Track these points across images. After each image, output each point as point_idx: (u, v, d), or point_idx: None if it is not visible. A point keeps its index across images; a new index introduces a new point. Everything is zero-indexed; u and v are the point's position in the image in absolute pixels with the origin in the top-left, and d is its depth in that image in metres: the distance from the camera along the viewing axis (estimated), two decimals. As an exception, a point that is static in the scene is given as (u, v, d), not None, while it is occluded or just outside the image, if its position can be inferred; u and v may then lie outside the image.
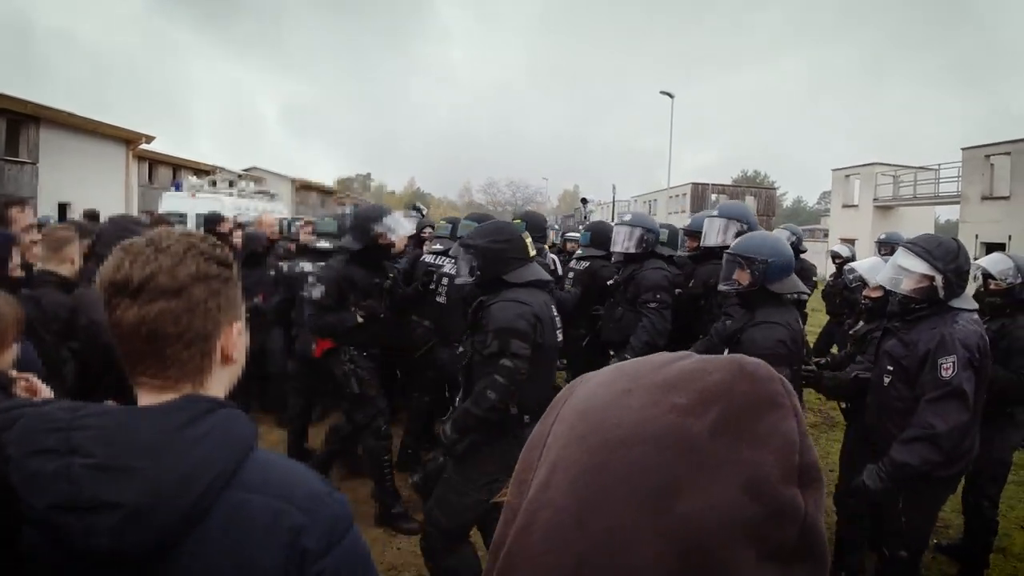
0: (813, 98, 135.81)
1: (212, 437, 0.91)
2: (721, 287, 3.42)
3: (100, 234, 3.77)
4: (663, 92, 30.45)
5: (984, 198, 22.78)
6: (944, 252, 2.90)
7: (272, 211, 14.99)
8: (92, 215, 9.62)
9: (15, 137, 17.15)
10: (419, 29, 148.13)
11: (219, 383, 1.05)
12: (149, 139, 22.33)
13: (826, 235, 34.48)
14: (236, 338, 1.05)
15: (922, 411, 2.84)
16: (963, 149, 23.91)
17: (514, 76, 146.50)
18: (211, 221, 7.04)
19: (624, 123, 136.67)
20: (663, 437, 0.46)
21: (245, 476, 0.92)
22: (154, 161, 26.04)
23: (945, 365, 2.80)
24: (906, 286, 2.98)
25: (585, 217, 17.52)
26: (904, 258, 3.00)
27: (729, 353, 2.84)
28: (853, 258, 7.82)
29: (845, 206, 30.97)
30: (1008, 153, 21.89)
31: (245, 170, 31.40)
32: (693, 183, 43.55)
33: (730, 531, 0.43)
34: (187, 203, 13.97)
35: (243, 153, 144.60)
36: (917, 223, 26.17)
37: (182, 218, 13.09)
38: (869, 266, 4.13)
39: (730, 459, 0.44)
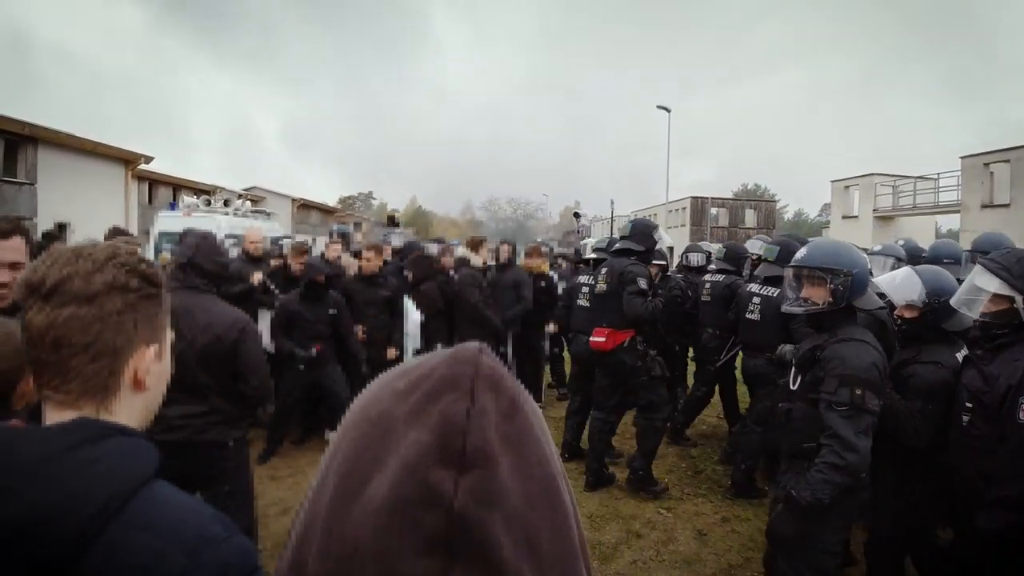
0: (811, 110, 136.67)
1: (100, 465, 0.84)
2: (787, 308, 3.02)
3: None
4: (660, 107, 30.58)
5: (984, 206, 22.76)
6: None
7: (268, 231, 15.02)
8: (118, 231, 9.51)
9: (13, 157, 17.19)
10: (418, 46, 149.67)
11: (126, 409, 0.97)
12: (148, 159, 22.36)
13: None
14: (151, 362, 0.98)
15: (1000, 464, 2.49)
16: (962, 158, 23.90)
17: (513, 93, 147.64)
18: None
19: (623, 138, 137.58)
20: (379, 418, 0.46)
21: (134, 512, 0.83)
22: (154, 181, 26.04)
23: None
24: (983, 308, 2.66)
25: (579, 231, 17.50)
26: (979, 276, 2.67)
27: (805, 377, 2.79)
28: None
29: (845, 217, 30.95)
30: (1007, 161, 21.92)
31: (246, 189, 31.43)
32: (693, 197, 43.62)
33: (386, 515, 0.41)
34: (182, 222, 13.90)
35: (244, 172, 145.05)
36: (917, 233, 26.14)
37: (176, 238, 13.02)
38: (889, 284, 3.26)
39: (404, 441, 0.43)
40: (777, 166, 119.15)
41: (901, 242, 6.08)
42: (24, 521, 0.78)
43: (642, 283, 4.79)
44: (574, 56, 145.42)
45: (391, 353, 5.93)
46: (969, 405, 2.72)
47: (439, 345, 6.27)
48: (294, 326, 5.38)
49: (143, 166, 22.59)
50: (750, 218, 45.42)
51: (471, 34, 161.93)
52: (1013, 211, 21.44)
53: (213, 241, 3.33)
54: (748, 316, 5.03)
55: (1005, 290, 2.56)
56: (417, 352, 5.98)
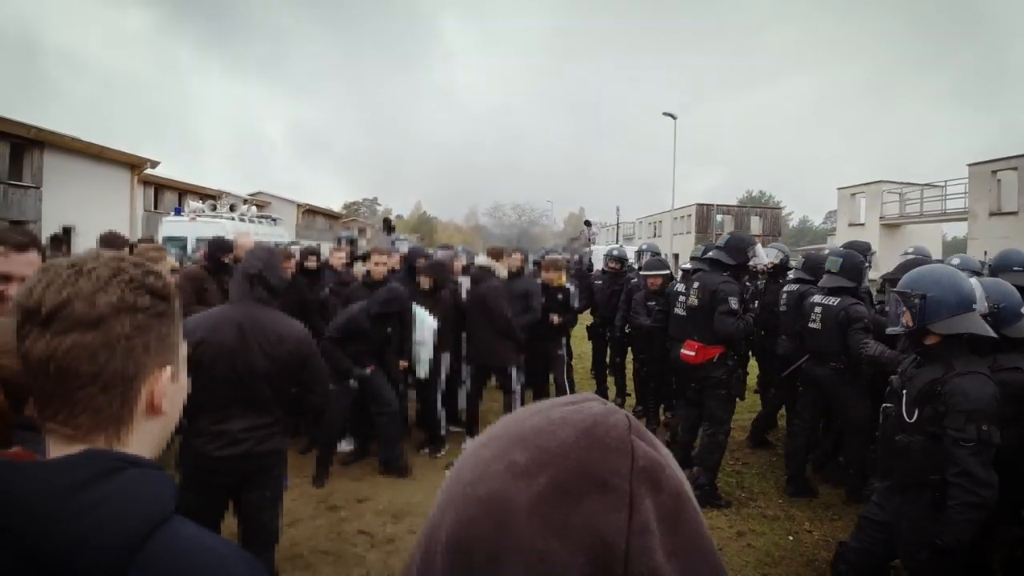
0: (817, 118, 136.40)
1: (112, 503, 0.74)
2: (891, 331, 3.10)
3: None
4: (666, 113, 30.49)
5: (992, 214, 22.63)
6: None
7: (270, 235, 14.97)
8: (112, 239, 9.29)
9: (19, 161, 17.20)
10: (424, 53, 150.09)
11: (142, 438, 0.87)
12: (154, 164, 22.39)
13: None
14: (166, 385, 0.88)
15: None
16: (969, 165, 23.76)
17: (518, 100, 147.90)
18: (218, 248, 5.97)
19: (629, 145, 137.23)
20: (491, 501, 0.41)
21: (151, 556, 0.74)
22: (159, 186, 26.14)
23: None
24: None
25: (590, 239, 17.39)
26: None
27: (925, 410, 2.74)
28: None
29: (851, 224, 30.76)
30: (1015, 168, 21.79)
31: (251, 194, 31.52)
32: (698, 204, 43.52)
33: None
34: (187, 227, 13.88)
35: (250, 177, 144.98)
36: (924, 241, 26.01)
37: (181, 242, 12.97)
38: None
39: (534, 548, 0.37)
40: (782, 173, 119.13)
41: (911, 250, 6.03)
42: (28, 570, 0.70)
43: (733, 303, 4.87)
44: (580, 62, 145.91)
45: (402, 364, 5.75)
46: None
47: (446, 355, 6.21)
48: (351, 341, 5.24)
49: (149, 171, 22.62)
50: (755, 225, 45.29)
51: (478, 39, 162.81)
52: (1021, 219, 21.30)
53: (278, 255, 3.38)
54: (811, 325, 5.10)
55: None
56: (431, 361, 5.95)
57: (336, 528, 4.49)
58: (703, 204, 43.76)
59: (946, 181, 26.48)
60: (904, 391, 2.87)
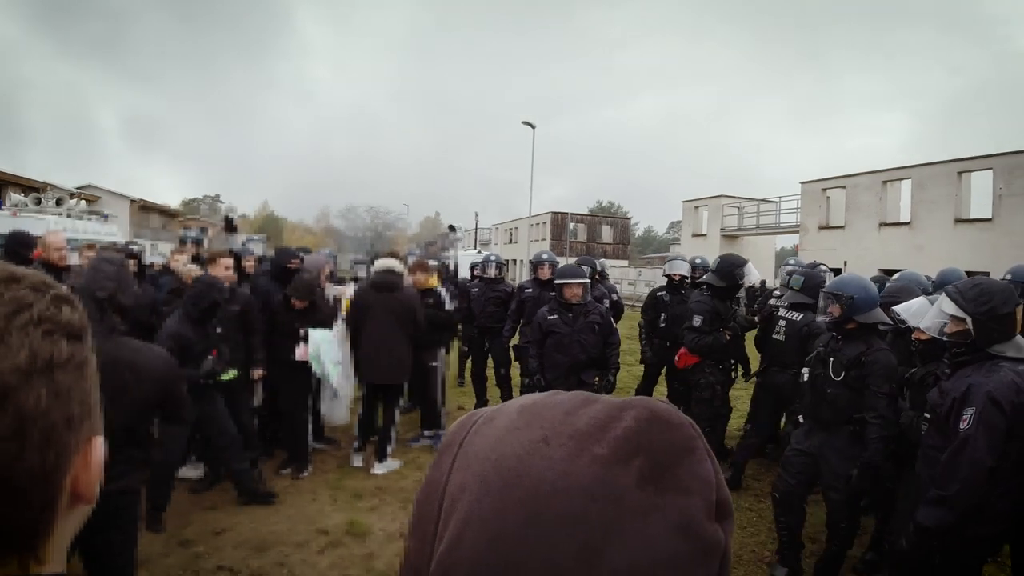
0: (663, 135, 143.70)
1: None
2: (823, 319, 4.06)
3: None
4: (525, 122, 30.91)
5: (821, 227, 24.86)
6: (977, 295, 2.85)
7: (100, 234, 13.61)
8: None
9: None
10: (277, 44, 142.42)
11: (62, 542, 0.56)
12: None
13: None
14: (96, 464, 0.56)
15: (940, 468, 2.82)
16: (802, 183, 25.98)
17: (376, 100, 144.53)
18: (18, 243, 5.31)
19: (487, 153, 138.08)
20: (591, 488, 0.47)
21: None
22: (-31, 175, 23.25)
23: (964, 417, 2.75)
24: (947, 331, 2.99)
25: (453, 244, 17.15)
26: (944, 302, 2.98)
27: (848, 373, 3.75)
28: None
29: (695, 235, 32.82)
30: (843, 187, 24.06)
31: (80, 188, 28.84)
32: (553, 212, 44.59)
33: (662, 571, 0.45)
34: (8, 223, 12.31)
35: (80, 169, 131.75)
36: (760, 251, 28.26)
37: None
38: (914, 311, 3.63)
39: (658, 505, 0.47)
40: (629, 185, 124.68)
41: (791, 261, 6.51)
42: None
43: (696, 320, 5.50)
44: (440, 66, 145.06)
45: (256, 374, 5.33)
46: (927, 415, 3.13)
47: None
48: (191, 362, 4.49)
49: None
50: (606, 234, 47.12)
51: (335, 34, 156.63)
52: (848, 232, 23.55)
53: (127, 269, 2.88)
54: (775, 337, 5.48)
55: (959, 313, 2.88)
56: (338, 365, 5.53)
57: (191, 566, 3.98)
58: (558, 212, 44.89)
59: (780, 197, 28.71)
60: (832, 359, 3.86)
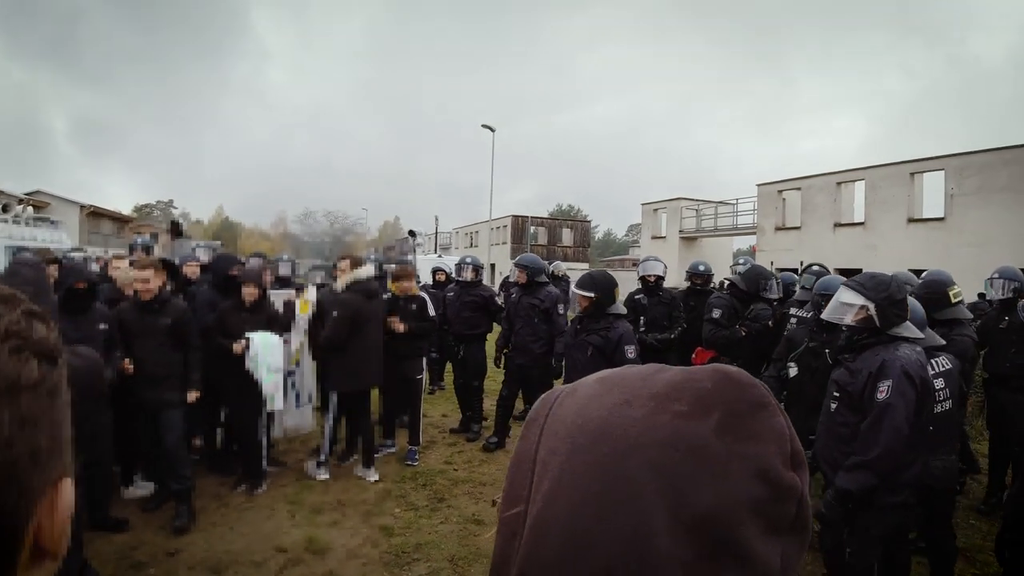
0: (622, 139, 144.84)
1: None
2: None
3: None
4: (484, 125, 30.80)
5: (778, 228, 25.27)
6: (876, 284, 3.18)
7: (49, 241, 13.17)
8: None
9: None
10: (234, 47, 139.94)
11: None
12: None
13: (634, 264, 36.87)
14: (63, 512, 0.47)
15: (860, 436, 3.07)
16: (758, 185, 26.36)
17: (334, 103, 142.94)
18: None
19: (445, 157, 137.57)
20: (674, 440, 0.51)
21: None
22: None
23: (881, 388, 3.03)
24: (848, 319, 3.24)
25: (414, 249, 17.01)
26: (844, 294, 3.27)
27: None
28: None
29: (654, 237, 33.11)
30: (799, 188, 24.50)
31: (27, 194, 27.96)
32: (513, 216, 44.51)
33: (742, 513, 0.49)
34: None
35: (28, 175, 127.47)
36: (717, 252, 28.65)
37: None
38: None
39: (738, 453, 0.51)
40: (588, 188, 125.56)
41: (742, 261, 6.53)
42: None
43: (715, 313, 5.62)
44: (400, 70, 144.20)
45: (191, 396, 4.82)
46: (837, 394, 3.29)
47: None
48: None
49: None
50: (567, 237, 47.19)
51: (292, 36, 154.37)
52: (804, 233, 23.98)
53: (45, 272, 2.58)
54: (787, 334, 5.46)
55: (861, 301, 3.17)
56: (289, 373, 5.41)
57: (142, 590, 3.82)
58: (518, 216, 44.80)
59: (737, 199, 29.13)
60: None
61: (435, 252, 30.20)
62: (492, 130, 30.81)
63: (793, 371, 4.45)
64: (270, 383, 5.27)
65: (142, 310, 4.68)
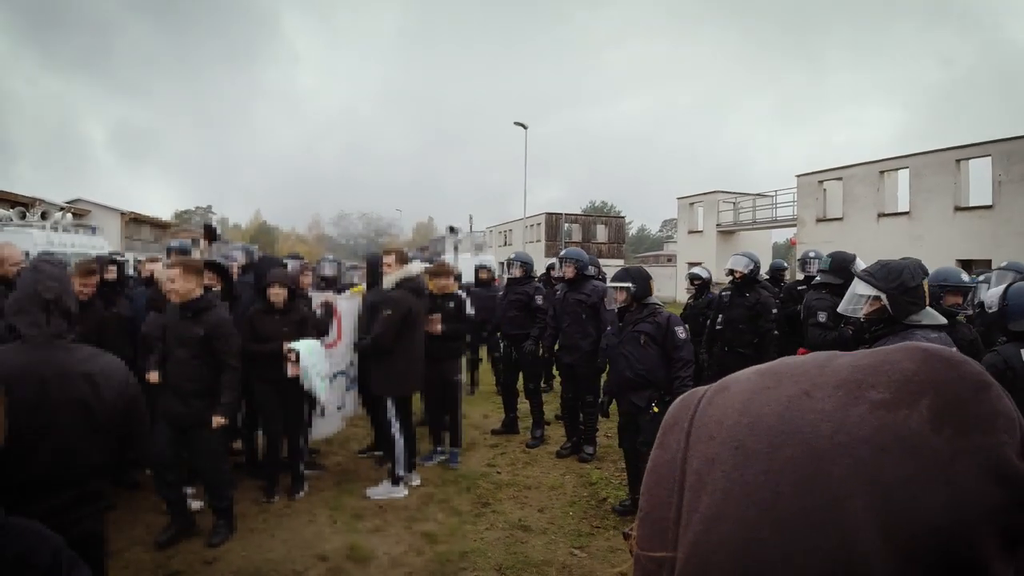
0: (653, 134, 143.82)
1: None
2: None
3: None
4: (517, 123, 30.63)
5: (819, 220, 24.63)
6: (887, 273, 3.10)
7: (86, 246, 13.28)
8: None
9: None
10: (266, 52, 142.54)
11: None
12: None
13: (669, 260, 36.56)
14: None
15: None
16: (797, 176, 25.75)
17: (366, 105, 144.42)
18: None
19: (478, 156, 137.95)
20: (878, 438, 0.42)
21: None
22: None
23: None
24: (863, 311, 3.18)
25: (456, 246, 16.87)
26: (858, 286, 3.19)
27: None
28: (711, 280, 7.97)
29: (691, 232, 32.67)
30: (839, 179, 23.87)
31: (69, 202, 28.57)
32: (547, 213, 44.30)
33: (976, 525, 0.40)
34: (-10, 237, 12.00)
35: (70, 184, 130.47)
36: (756, 246, 28.11)
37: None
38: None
39: (961, 448, 0.41)
40: (621, 184, 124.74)
41: (813, 254, 6.25)
42: None
43: (820, 316, 5.23)
44: (430, 71, 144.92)
45: (217, 421, 4.30)
46: None
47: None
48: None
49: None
50: (601, 233, 46.81)
51: (324, 41, 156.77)
52: (846, 224, 23.33)
53: (68, 273, 2.49)
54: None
55: (873, 292, 3.10)
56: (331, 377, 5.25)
57: (179, 602, 3.68)
58: (552, 213, 44.57)
59: (776, 191, 28.52)
60: None
61: (471, 251, 30.16)
62: (525, 127, 30.61)
63: None
64: (324, 390, 5.13)
65: (178, 315, 4.35)
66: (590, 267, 6.59)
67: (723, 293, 6.62)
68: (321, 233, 78.93)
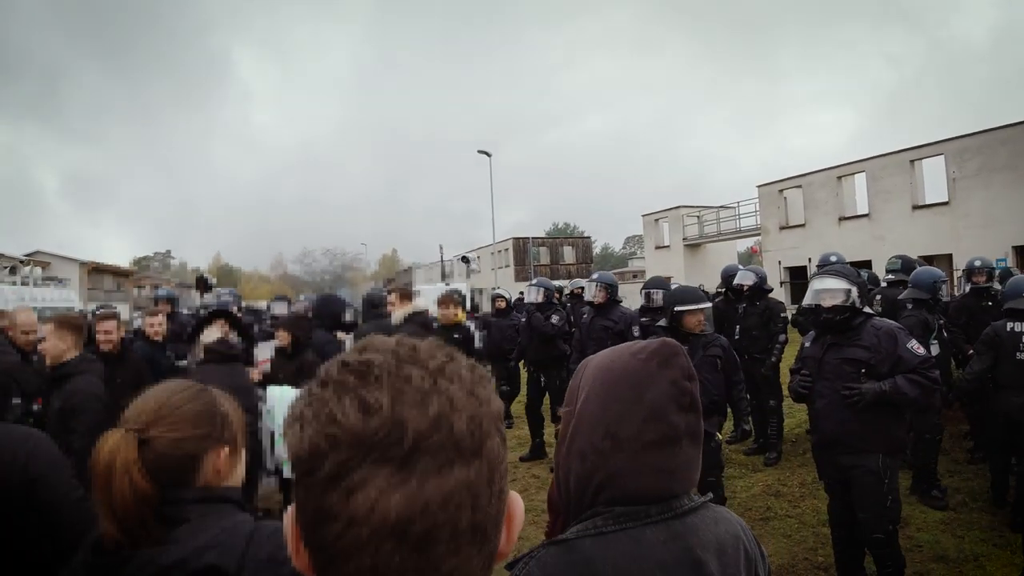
0: (612, 152, 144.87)
1: None
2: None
3: None
4: (481, 151, 30.83)
5: (782, 227, 25.23)
6: (850, 271, 3.75)
7: (60, 301, 13.05)
8: None
9: None
10: (217, 92, 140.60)
11: None
12: None
13: (635, 276, 37.04)
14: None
15: (912, 387, 3.46)
16: (758, 186, 26.37)
17: (323, 140, 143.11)
18: None
19: (440, 185, 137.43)
20: (628, 366, 1.13)
21: None
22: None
23: (913, 344, 3.54)
24: (830, 302, 3.63)
25: (467, 275, 16.91)
26: (827, 280, 3.70)
27: None
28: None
29: (658, 247, 33.10)
30: (799, 186, 24.53)
31: (27, 255, 27.88)
32: (515, 238, 44.56)
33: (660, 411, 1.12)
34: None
35: (23, 234, 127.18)
36: (723, 257, 28.63)
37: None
38: None
39: (658, 375, 1.10)
40: (582, 204, 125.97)
41: (835, 258, 6.38)
42: None
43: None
44: (387, 103, 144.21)
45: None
46: (856, 372, 3.60)
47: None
48: None
49: None
50: (568, 255, 47.23)
51: (279, 79, 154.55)
52: (808, 229, 23.93)
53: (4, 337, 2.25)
54: (1020, 356, 4.92)
55: (846, 285, 3.57)
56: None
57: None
58: (519, 238, 44.85)
59: (738, 202, 29.10)
60: None
61: (441, 280, 30.18)
62: (489, 155, 30.85)
63: None
64: (281, 444, 4.76)
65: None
66: (617, 291, 6.75)
67: (716, 301, 6.88)
68: (285, 272, 78.10)
